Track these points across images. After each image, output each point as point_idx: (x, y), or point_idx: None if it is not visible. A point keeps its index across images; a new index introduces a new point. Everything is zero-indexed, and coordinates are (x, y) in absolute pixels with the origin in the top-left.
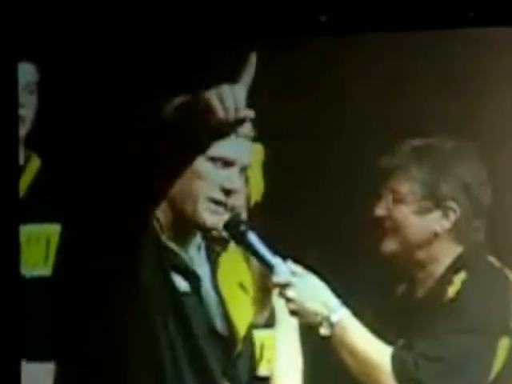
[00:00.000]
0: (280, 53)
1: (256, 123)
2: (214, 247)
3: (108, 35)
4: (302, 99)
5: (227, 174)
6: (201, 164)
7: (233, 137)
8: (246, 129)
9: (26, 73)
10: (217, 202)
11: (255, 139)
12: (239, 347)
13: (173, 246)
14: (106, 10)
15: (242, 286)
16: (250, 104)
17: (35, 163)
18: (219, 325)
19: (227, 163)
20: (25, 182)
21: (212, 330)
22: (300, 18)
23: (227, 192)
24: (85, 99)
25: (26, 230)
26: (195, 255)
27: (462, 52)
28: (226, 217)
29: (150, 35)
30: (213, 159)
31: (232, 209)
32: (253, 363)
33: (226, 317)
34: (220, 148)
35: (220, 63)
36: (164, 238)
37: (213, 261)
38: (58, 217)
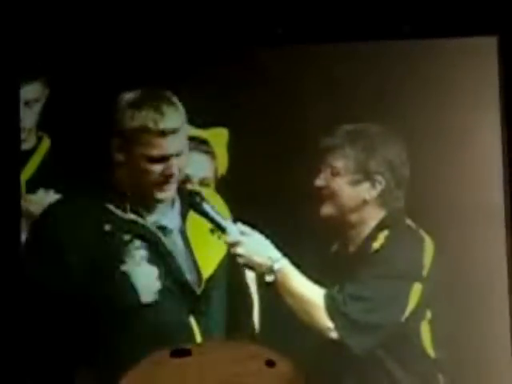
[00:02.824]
0: (239, 60)
1: (223, 111)
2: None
3: (104, 36)
4: (260, 94)
5: (165, 165)
6: (142, 163)
7: (162, 138)
8: (172, 123)
9: (28, 91)
10: (163, 183)
11: (221, 123)
12: (203, 287)
13: (132, 216)
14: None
15: (212, 232)
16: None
17: (46, 143)
18: (185, 269)
19: (162, 158)
20: (37, 158)
21: (179, 275)
22: (258, 30)
23: (169, 176)
24: (87, 91)
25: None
26: (167, 210)
27: (396, 60)
28: (174, 188)
29: (143, 42)
30: (150, 159)
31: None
32: (217, 301)
33: (191, 260)
34: (154, 149)
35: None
36: (120, 212)
37: (184, 213)
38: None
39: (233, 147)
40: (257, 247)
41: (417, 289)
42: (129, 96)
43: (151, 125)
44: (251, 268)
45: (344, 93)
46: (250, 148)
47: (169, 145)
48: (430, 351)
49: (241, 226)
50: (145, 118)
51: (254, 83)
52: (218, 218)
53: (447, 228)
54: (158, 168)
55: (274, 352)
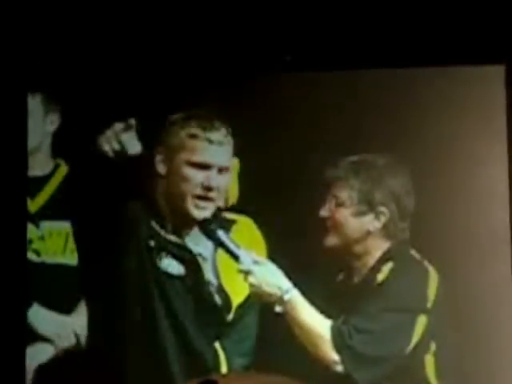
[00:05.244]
0: (251, 86)
1: (234, 142)
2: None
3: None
4: (268, 124)
5: (206, 175)
6: (184, 169)
7: (208, 144)
8: (219, 136)
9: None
10: (201, 198)
11: (232, 154)
12: (232, 315)
13: (173, 238)
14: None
15: None
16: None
17: (63, 170)
18: (216, 296)
19: (205, 166)
20: (54, 184)
21: (209, 301)
22: (267, 57)
23: (208, 188)
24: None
25: (50, 226)
26: (201, 238)
27: (396, 89)
28: (211, 208)
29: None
30: (193, 164)
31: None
32: (246, 329)
33: (220, 289)
34: (198, 155)
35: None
36: (163, 232)
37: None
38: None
39: (243, 177)
40: (268, 277)
41: (421, 321)
42: (179, 114)
43: (199, 132)
44: (261, 297)
45: (350, 121)
46: (259, 178)
47: (213, 153)
48: (434, 383)
49: (254, 256)
50: (195, 125)
51: (264, 113)
52: (231, 246)
53: (452, 259)
54: (198, 176)
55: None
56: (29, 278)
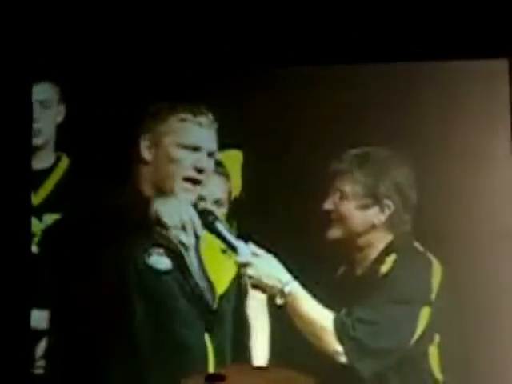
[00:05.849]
0: (253, 80)
1: (238, 134)
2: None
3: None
4: (270, 118)
5: (197, 157)
6: (174, 151)
7: (198, 127)
8: (207, 120)
9: (42, 91)
10: (190, 180)
11: (236, 146)
12: (217, 304)
13: (157, 227)
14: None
15: (223, 252)
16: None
17: (64, 162)
18: (201, 285)
19: (195, 148)
20: (55, 177)
21: (196, 291)
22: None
23: (199, 170)
24: (103, 109)
25: (53, 219)
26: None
27: (399, 83)
28: (198, 193)
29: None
30: (184, 146)
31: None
32: (230, 318)
33: (205, 277)
34: (189, 137)
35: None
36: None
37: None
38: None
39: (246, 169)
40: (267, 269)
41: (425, 313)
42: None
43: (190, 116)
44: (261, 290)
45: (353, 116)
46: (262, 170)
47: (203, 137)
48: (438, 375)
49: (253, 247)
50: (184, 111)
51: (268, 105)
52: (230, 238)
53: (455, 251)
54: (189, 158)
55: (306, 377)
56: (33, 272)
